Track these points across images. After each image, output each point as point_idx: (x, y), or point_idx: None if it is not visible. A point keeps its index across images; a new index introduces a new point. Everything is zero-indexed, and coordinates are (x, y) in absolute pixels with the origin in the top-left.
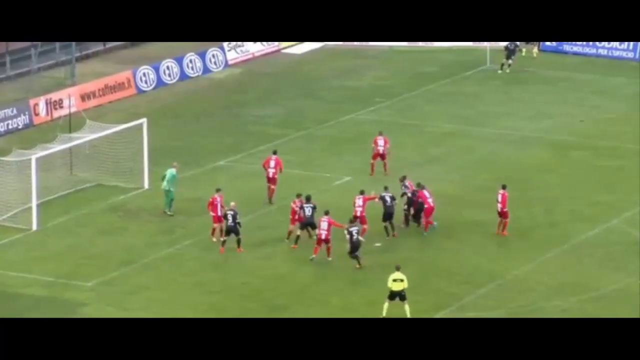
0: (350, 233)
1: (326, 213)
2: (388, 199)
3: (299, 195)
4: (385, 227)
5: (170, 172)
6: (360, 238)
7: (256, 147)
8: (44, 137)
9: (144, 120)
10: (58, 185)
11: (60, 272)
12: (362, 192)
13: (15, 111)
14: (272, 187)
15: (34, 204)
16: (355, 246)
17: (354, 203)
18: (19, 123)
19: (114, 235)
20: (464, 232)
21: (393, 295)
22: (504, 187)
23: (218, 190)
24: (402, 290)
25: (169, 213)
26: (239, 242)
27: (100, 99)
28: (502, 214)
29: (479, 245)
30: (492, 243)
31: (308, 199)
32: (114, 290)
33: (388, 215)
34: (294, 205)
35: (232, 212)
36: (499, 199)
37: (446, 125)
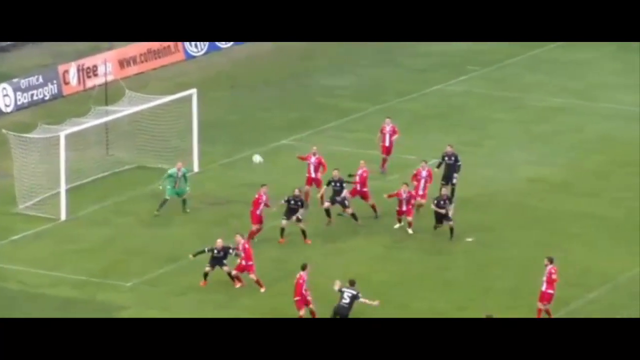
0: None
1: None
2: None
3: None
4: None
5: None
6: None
7: (326, 123)
8: (75, 110)
9: (193, 91)
10: (91, 167)
11: (93, 270)
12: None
13: (41, 79)
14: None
15: (62, 189)
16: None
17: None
18: (46, 93)
19: (157, 227)
20: (571, 225)
21: None
22: (551, 261)
23: (263, 185)
24: None
25: (187, 210)
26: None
27: (141, 66)
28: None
29: (590, 241)
30: (604, 238)
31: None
32: (157, 291)
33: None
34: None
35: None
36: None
37: (552, 99)
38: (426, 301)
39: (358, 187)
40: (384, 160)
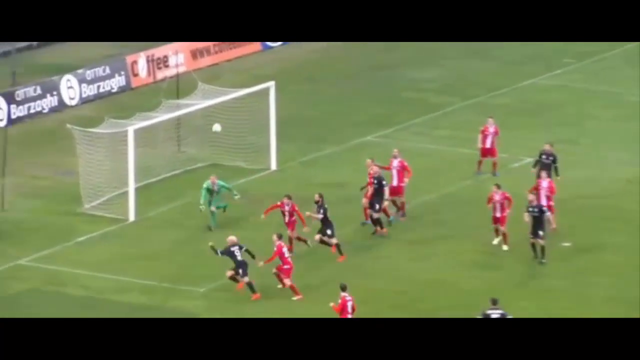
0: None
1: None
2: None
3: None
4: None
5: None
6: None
7: (412, 119)
8: (144, 103)
9: (270, 84)
10: (161, 164)
11: (163, 274)
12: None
13: (108, 70)
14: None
15: (130, 188)
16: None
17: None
18: (113, 85)
19: (231, 229)
20: None
21: None
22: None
23: (289, 197)
24: None
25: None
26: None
27: (215, 57)
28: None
29: None
30: None
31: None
32: (232, 298)
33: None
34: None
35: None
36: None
37: None
38: (522, 310)
39: (395, 183)
40: (480, 163)
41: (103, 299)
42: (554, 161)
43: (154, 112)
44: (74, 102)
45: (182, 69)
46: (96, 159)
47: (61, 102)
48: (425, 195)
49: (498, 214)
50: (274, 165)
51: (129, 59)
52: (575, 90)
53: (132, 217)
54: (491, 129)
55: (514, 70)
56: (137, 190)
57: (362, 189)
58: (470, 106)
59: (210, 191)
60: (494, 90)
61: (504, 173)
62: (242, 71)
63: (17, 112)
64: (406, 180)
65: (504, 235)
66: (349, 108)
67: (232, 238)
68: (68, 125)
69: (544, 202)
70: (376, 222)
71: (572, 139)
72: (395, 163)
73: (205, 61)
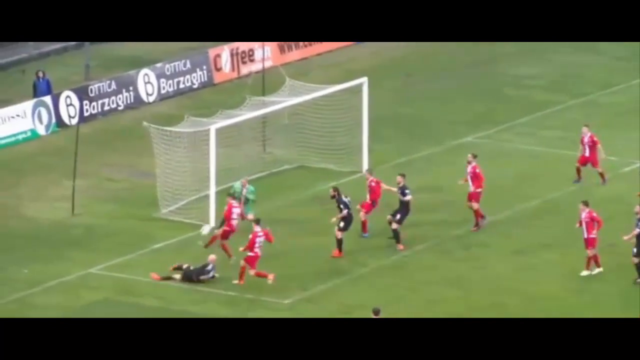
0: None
1: None
2: None
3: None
4: None
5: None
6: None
7: (517, 119)
8: (227, 100)
9: (364, 80)
10: (245, 166)
11: (246, 284)
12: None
13: (189, 65)
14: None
15: (212, 191)
16: None
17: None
18: (194, 81)
19: (319, 235)
20: None
21: None
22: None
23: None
24: None
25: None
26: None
27: (305, 51)
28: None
29: None
30: None
31: None
32: (319, 310)
33: None
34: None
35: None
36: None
37: None
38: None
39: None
40: (578, 170)
41: (179, 310)
42: None
43: (238, 110)
44: (151, 99)
45: (268, 64)
46: (175, 159)
47: (138, 98)
48: (529, 200)
49: (585, 235)
50: (365, 167)
51: (212, 52)
52: None
53: (213, 222)
54: (586, 139)
55: (628, 66)
56: (219, 193)
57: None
58: (580, 105)
59: (238, 193)
60: (606, 87)
61: (613, 179)
62: (333, 66)
63: (90, 109)
64: (473, 188)
65: (589, 259)
66: (447, 106)
67: (213, 257)
68: (145, 124)
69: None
70: (394, 234)
71: None
72: (469, 169)
73: (293, 55)
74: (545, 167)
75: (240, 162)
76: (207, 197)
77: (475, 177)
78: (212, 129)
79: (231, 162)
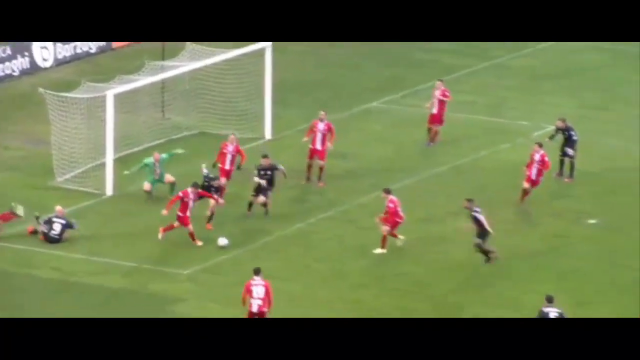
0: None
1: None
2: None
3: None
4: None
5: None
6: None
7: (425, 82)
8: (125, 65)
9: (267, 45)
10: (144, 133)
11: (145, 255)
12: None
13: None
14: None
15: (109, 159)
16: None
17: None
18: (92, 46)
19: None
20: None
21: None
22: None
23: (195, 185)
24: None
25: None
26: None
27: None
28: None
29: None
30: None
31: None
32: (220, 281)
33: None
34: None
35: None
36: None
37: None
38: (538, 294)
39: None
40: (430, 131)
41: (77, 282)
42: (571, 135)
43: (136, 75)
44: (47, 64)
45: None
46: (71, 126)
47: (34, 64)
48: (438, 166)
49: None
50: (268, 134)
51: None
52: (607, 52)
53: (110, 191)
54: (437, 92)
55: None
56: (117, 161)
57: None
58: (489, 69)
59: (150, 167)
60: (516, 50)
61: (524, 143)
62: None
63: None
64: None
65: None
66: (355, 71)
67: (60, 208)
68: (40, 90)
69: (534, 176)
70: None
71: (602, 105)
72: (322, 126)
73: None
74: (460, 133)
75: (138, 128)
76: (103, 165)
77: (329, 131)
78: (110, 94)
79: (129, 128)
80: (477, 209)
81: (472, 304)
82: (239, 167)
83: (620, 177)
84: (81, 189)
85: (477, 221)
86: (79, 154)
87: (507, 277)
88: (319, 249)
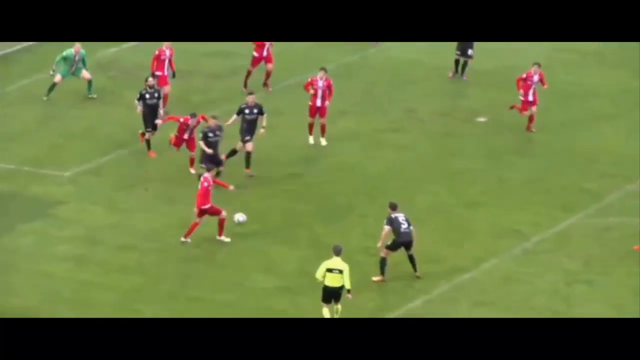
0: None
1: None
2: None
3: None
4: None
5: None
6: None
7: None
8: None
9: None
10: None
11: (24, 157)
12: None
13: None
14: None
15: None
16: None
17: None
18: None
19: (101, 105)
20: (607, 105)
21: (329, 296)
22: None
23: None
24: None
25: (93, 95)
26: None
27: None
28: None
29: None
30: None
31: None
32: (102, 183)
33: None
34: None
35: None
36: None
37: None
38: (430, 195)
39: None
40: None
41: None
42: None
43: None
44: None
45: None
46: None
47: None
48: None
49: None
50: None
51: None
52: None
53: None
54: (321, 83)
55: None
56: None
57: None
58: None
59: (69, 60)
60: None
61: None
62: None
63: None
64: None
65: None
66: None
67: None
68: None
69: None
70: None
71: None
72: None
73: None
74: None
75: None
76: None
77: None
78: None
79: None
80: None
81: (362, 205)
82: (173, 75)
83: (511, 76)
84: None
85: None
86: None
87: (398, 178)
88: None
